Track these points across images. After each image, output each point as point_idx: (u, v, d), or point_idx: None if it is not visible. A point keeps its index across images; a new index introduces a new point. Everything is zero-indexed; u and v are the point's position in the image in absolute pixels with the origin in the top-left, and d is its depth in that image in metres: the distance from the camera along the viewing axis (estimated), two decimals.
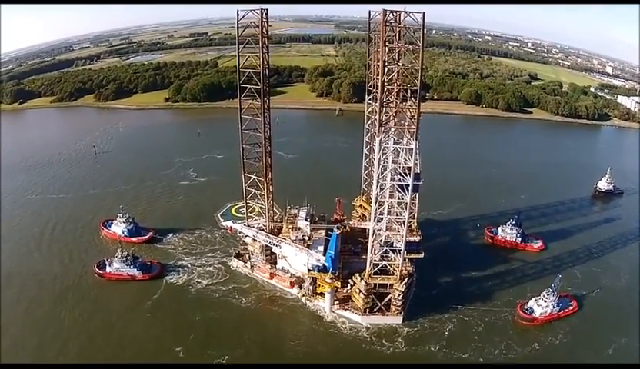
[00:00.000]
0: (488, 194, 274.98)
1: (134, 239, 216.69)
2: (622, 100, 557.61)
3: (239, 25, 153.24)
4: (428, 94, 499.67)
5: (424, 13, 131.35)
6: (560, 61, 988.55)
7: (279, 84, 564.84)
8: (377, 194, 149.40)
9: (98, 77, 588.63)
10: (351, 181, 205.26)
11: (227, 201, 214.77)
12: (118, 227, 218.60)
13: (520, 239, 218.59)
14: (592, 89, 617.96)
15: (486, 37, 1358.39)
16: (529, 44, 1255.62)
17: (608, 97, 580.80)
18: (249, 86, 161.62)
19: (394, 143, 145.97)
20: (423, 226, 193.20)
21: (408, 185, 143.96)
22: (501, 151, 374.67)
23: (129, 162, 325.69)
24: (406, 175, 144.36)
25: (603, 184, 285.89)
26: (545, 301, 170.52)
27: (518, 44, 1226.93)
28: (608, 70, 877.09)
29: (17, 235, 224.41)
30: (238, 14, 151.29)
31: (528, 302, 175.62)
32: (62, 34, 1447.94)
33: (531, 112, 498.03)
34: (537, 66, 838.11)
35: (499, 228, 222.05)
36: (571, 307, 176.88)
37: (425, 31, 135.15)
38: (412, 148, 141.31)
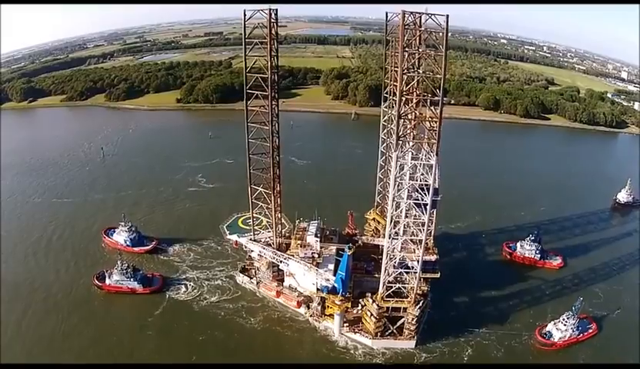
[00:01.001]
0: (507, 205, 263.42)
1: (136, 249, 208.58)
2: (638, 106, 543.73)
3: (247, 26, 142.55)
4: (445, 99, 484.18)
5: (447, 16, 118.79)
6: (576, 65, 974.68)
7: (294, 86, 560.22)
8: (392, 212, 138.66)
9: (109, 76, 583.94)
10: (366, 191, 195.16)
11: (236, 209, 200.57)
12: (120, 236, 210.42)
13: (539, 256, 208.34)
14: (609, 95, 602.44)
15: (502, 40, 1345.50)
16: (544, 48, 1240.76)
17: (625, 103, 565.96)
18: (256, 92, 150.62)
19: (412, 158, 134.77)
20: (440, 240, 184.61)
21: (426, 204, 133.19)
22: (520, 158, 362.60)
23: (137, 166, 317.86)
24: (424, 193, 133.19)
25: (623, 196, 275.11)
26: (565, 325, 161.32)
27: (534, 48, 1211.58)
28: (624, 75, 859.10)
29: (18, 241, 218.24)
30: (245, 15, 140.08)
31: (546, 326, 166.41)
32: (78, 31, 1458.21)
33: (549, 118, 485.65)
34: (553, 70, 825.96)
35: (518, 244, 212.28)
36: (590, 330, 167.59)
37: (448, 35, 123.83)
38: (432, 164, 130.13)
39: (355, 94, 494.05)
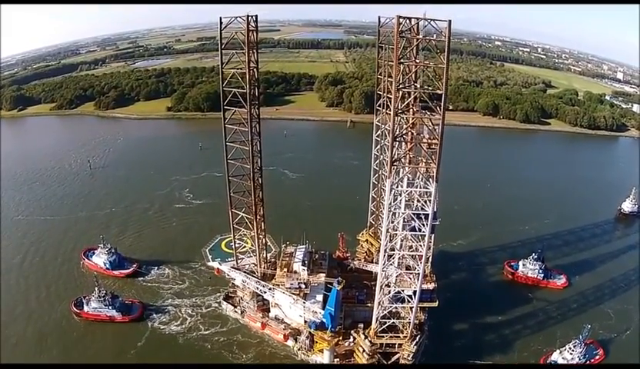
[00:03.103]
0: (510, 219, 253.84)
1: (115, 272, 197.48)
2: (637, 108, 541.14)
3: (228, 34, 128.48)
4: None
5: (449, 21, 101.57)
6: (571, 66, 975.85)
7: (287, 92, 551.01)
8: (386, 244, 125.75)
9: (99, 83, 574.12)
10: (361, 208, 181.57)
11: (224, 229, 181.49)
12: (100, 258, 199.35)
13: (542, 275, 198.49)
14: (607, 97, 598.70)
15: (496, 42, 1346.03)
16: (539, 50, 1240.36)
17: (624, 105, 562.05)
18: (235, 109, 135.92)
19: (407, 184, 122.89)
20: (438, 260, 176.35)
21: (424, 235, 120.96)
22: (522, 166, 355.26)
23: (124, 179, 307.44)
24: (422, 223, 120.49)
25: (627, 206, 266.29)
26: (571, 353, 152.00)
27: (528, 50, 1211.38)
28: (619, 76, 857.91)
29: None
30: (220, 22, 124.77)
31: (552, 354, 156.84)
32: (71, 36, 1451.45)
33: (549, 123, 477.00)
34: (549, 72, 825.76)
35: (520, 263, 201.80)
36: (597, 357, 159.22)
37: (450, 44, 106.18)
38: (431, 192, 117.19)
39: (350, 100, 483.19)
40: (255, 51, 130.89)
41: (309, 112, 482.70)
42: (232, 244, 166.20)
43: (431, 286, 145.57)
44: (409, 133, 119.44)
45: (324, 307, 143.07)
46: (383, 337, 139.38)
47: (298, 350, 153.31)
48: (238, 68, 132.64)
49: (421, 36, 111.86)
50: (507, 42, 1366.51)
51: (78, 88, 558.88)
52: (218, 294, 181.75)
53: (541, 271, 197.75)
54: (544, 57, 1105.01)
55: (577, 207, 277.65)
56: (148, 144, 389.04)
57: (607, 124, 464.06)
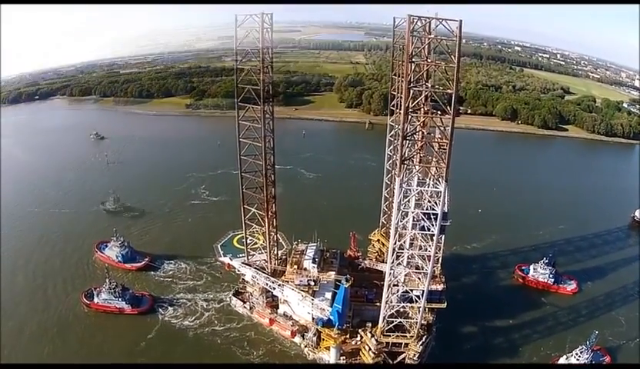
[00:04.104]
0: (525, 224, 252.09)
1: (127, 265, 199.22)
2: None
3: (243, 33, 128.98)
4: (462, 108, 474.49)
5: (460, 21, 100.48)
6: (590, 73, 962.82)
7: (307, 92, 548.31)
8: (395, 243, 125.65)
9: (118, 79, 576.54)
10: (375, 209, 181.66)
11: (238, 226, 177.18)
12: (112, 251, 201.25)
13: (552, 280, 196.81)
14: (625, 105, 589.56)
15: (516, 47, 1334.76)
16: (558, 56, 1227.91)
17: None
18: (248, 105, 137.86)
19: (417, 183, 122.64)
20: (450, 262, 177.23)
21: (433, 234, 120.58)
22: (539, 172, 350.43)
23: (140, 175, 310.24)
24: (432, 223, 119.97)
25: None
26: (577, 360, 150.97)
27: (548, 56, 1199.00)
28: (637, 84, 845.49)
29: (11, 255, 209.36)
30: (236, 20, 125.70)
31: (558, 360, 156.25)
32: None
33: (567, 130, 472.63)
34: (567, 79, 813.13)
35: (531, 267, 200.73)
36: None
37: (461, 44, 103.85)
38: (440, 191, 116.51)
39: (369, 102, 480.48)
40: (269, 48, 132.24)
41: (328, 113, 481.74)
42: (244, 240, 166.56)
43: (440, 287, 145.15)
44: (420, 132, 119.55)
45: (332, 305, 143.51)
46: (389, 336, 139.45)
47: (305, 346, 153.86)
48: (252, 66, 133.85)
49: (432, 35, 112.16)
50: (527, 48, 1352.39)
51: (97, 83, 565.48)
52: (232, 290, 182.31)
53: (551, 276, 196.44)
54: (563, 63, 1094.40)
55: (591, 213, 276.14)
56: (165, 141, 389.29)
57: (624, 131, 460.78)
